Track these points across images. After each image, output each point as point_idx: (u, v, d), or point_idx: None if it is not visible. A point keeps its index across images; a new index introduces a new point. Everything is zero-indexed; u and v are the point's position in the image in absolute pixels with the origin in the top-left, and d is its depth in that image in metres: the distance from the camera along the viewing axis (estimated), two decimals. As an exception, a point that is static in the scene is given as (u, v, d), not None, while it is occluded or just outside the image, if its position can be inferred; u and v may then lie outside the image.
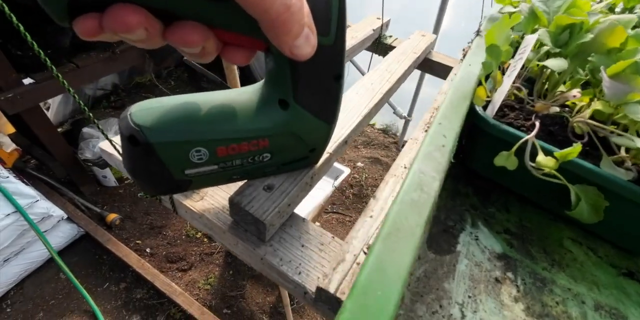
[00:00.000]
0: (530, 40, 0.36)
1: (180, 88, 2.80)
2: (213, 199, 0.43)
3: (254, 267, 0.41)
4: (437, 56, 0.81)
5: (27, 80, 1.50)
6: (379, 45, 0.86)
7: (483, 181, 0.44)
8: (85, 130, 1.81)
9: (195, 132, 0.25)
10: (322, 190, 1.35)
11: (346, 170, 1.48)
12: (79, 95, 2.32)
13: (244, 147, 0.28)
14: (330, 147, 0.46)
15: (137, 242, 1.74)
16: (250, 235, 0.39)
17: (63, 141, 1.63)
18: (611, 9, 0.58)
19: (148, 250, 1.72)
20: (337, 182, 1.39)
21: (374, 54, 0.90)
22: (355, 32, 0.80)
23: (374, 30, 0.83)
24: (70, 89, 0.35)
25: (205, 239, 1.87)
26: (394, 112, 2.12)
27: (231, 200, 0.37)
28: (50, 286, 1.48)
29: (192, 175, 0.29)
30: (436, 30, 1.65)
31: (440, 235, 0.37)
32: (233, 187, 0.45)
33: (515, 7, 0.53)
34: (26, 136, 1.72)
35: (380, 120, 2.49)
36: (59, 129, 2.07)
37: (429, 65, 0.82)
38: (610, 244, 0.39)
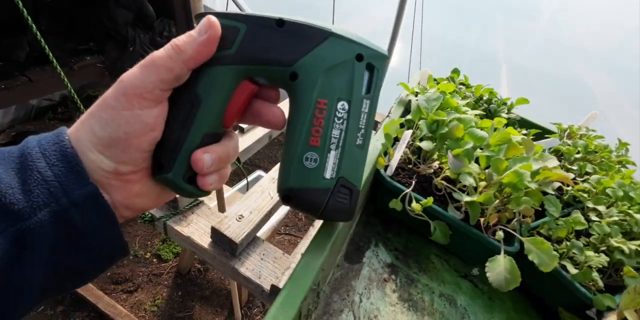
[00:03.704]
0: (407, 134, 0.60)
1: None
2: (197, 226, 0.59)
3: (226, 274, 0.57)
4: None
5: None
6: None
7: (386, 215, 0.66)
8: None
9: None
10: (276, 214, 1.51)
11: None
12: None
13: None
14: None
15: (80, 262, 1.71)
16: (225, 252, 0.55)
17: None
18: (477, 100, 0.87)
19: (92, 271, 1.69)
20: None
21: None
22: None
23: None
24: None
25: (155, 260, 1.87)
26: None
27: (213, 227, 0.53)
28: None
29: None
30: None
31: (354, 251, 0.57)
32: (212, 216, 0.61)
33: (415, 96, 0.78)
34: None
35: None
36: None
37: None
38: (457, 256, 0.62)
